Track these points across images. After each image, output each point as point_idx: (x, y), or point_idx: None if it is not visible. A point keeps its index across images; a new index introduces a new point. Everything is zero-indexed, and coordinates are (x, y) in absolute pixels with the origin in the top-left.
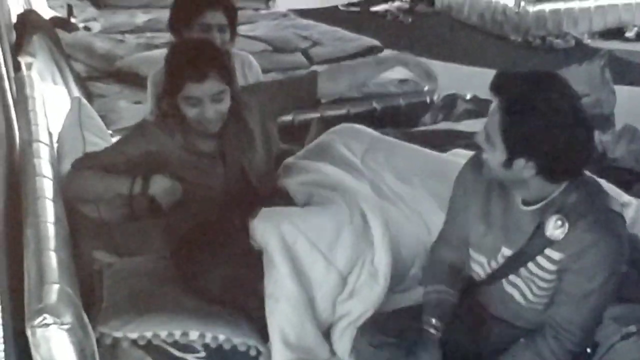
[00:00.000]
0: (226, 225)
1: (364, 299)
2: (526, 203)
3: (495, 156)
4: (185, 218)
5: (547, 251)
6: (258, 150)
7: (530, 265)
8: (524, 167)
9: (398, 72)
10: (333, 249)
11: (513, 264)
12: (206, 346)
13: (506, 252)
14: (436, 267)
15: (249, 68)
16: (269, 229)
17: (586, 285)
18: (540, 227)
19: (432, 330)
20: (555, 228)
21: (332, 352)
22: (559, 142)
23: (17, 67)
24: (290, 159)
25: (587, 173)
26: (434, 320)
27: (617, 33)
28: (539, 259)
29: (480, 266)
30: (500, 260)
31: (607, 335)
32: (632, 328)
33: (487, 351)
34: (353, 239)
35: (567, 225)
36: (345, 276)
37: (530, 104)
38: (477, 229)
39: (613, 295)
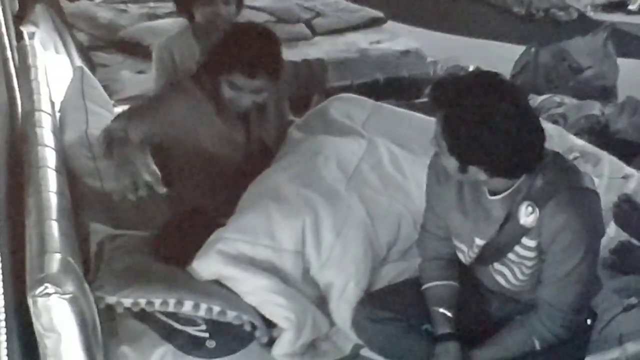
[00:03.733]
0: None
1: (340, 265)
2: (492, 192)
3: (449, 163)
4: (195, 189)
5: (524, 240)
6: (271, 124)
7: (511, 255)
8: (477, 172)
9: (401, 44)
10: (274, 235)
11: (493, 255)
12: (206, 320)
13: (478, 241)
14: (431, 265)
15: None
16: (208, 259)
17: (565, 265)
18: (510, 215)
19: (443, 317)
20: (527, 215)
21: (331, 324)
22: (502, 148)
23: (19, 37)
24: (290, 129)
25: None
26: (441, 310)
27: (620, 5)
28: (518, 248)
29: (462, 253)
30: (476, 250)
31: (608, 307)
32: (634, 300)
33: (485, 323)
34: (283, 214)
35: (537, 210)
36: (300, 250)
37: (468, 114)
38: (455, 218)
39: (594, 270)
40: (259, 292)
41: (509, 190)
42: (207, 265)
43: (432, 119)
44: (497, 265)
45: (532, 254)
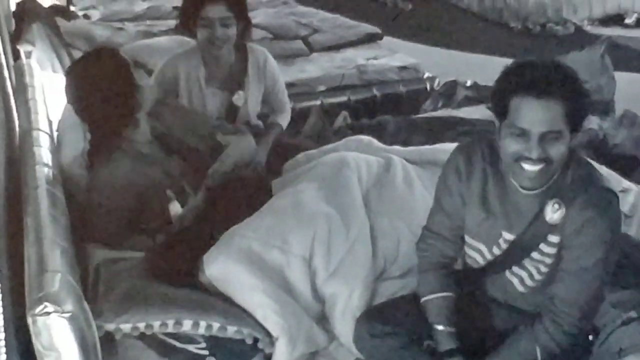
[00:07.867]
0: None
1: (347, 276)
2: (525, 187)
3: (561, 146)
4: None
5: (549, 236)
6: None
7: (534, 254)
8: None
9: (398, 60)
10: (286, 239)
11: (517, 254)
12: (206, 338)
13: (507, 236)
14: (429, 277)
15: (265, 65)
16: (221, 253)
17: (583, 261)
18: (540, 211)
19: (445, 334)
20: (553, 212)
21: (330, 340)
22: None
23: (16, 56)
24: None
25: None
26: (441, 327)
27: (616, 19)
28: (542, 245)
29: (478, 253)
30: (503, 245)
31: (607, 321)
32: (633, 314)
33: (489, 336)
34: (298, 219)
35: (564, 208)
36: (307, 258)
37: (578, 88)
38: (475, 215)
39: (609, 274)
40: (255, 295)
41: (545, 187)
42: (217, 258)
43: (440, 147)
44: (514, 267)
45: (553, 251)
